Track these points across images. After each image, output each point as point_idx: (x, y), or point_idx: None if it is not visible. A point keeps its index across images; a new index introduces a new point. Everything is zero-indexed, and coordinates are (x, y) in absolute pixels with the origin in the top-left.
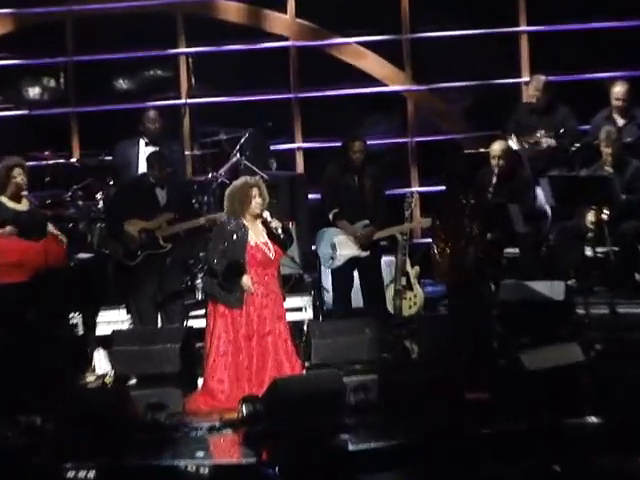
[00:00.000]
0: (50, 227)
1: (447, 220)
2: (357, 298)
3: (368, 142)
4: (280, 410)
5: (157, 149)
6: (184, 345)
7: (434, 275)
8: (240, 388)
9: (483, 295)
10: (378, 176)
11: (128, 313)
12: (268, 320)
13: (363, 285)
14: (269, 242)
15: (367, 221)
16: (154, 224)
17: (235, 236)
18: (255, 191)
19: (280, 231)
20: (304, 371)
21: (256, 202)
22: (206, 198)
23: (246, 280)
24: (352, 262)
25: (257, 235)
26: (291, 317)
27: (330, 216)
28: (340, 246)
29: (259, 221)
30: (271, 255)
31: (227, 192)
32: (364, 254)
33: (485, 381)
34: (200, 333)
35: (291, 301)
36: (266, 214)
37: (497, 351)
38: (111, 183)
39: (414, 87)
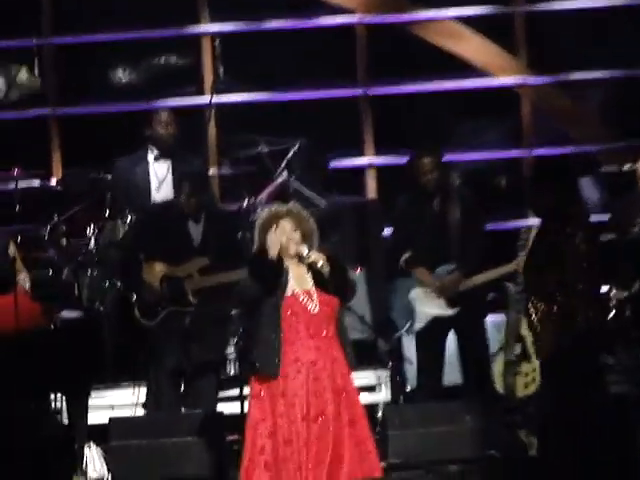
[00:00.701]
0: (21, 277)
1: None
2: (452, 373)
3: (468, 157)
4: None
5: (176, 164)
6: (212, 438)
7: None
8: None
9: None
10: (471, 202)
11: (147, 394)
12: (322, 397)
13: (460, 355)
14: (313, 292)
15: (452, 266)
16: (183, 271)
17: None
18: (284, 224)
19: (324, 267)
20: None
21: (287, 238)
22: (240, 234)
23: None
24: (440, 324)
25: (299, 282)
26: (361, 399)
27: (401, 263)
28: (419, 302)
29: (301, 264)
30: (311, 308)
31: (255, 227)
32: (451, 312)
33: None
34: (234, 421)
35: (360, 377)
36: (301, 248)
37: None
38: (107, 214)
39: (531, 79)
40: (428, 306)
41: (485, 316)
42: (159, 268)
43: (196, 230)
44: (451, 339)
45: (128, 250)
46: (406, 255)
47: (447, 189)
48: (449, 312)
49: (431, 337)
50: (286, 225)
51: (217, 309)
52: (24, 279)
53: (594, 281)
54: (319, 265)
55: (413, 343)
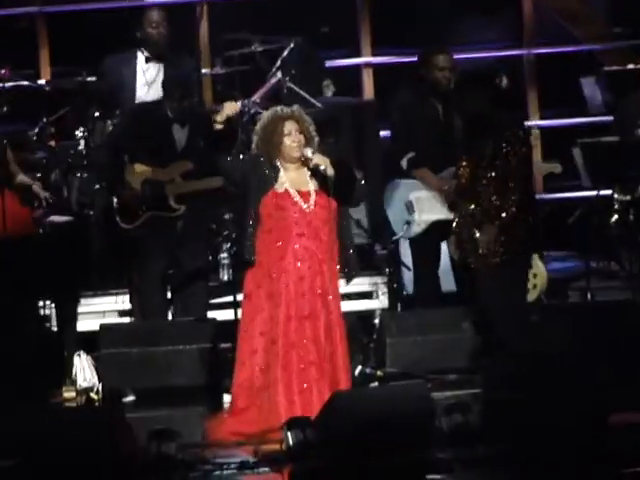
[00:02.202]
0: (22, 179)
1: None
2: (447, 280)
3: (467, 56)
4: (341, 439)
5: (166, 67)
6: (205, 346)
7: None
8: (273, 404)
9: None
10: (476, 103)
11: (130, 301)
12: (307, 298)
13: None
14: (312, 193)
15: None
16: (165, 174)
17: (261, 173)
18: (290, 126)
19: (328, 170)
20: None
21: (292, 140)
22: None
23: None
24: (438, 228)
25: (297, 183)
26: (356, 306)
27: (403, 163)
28: (419, 206)
29: (303, 167)
30: (305, 207)
31: (255, 128)
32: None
33: (636, 398)
34: (227, 328)
35: (357, 283)
36: (306, 151)
37: None
38: (96, 114)
39: None
40: (428, 210)
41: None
42: (141, 170)
43: (181, 134)
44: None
45: (111, 151)
46: (409, 155)
47: (453, 90)
48: (451, 216)
49: (429, 242)
50: (291, 127)
51: (204, 215)
52: (22, 179)
53: (529, 189)
54: (322, 168)
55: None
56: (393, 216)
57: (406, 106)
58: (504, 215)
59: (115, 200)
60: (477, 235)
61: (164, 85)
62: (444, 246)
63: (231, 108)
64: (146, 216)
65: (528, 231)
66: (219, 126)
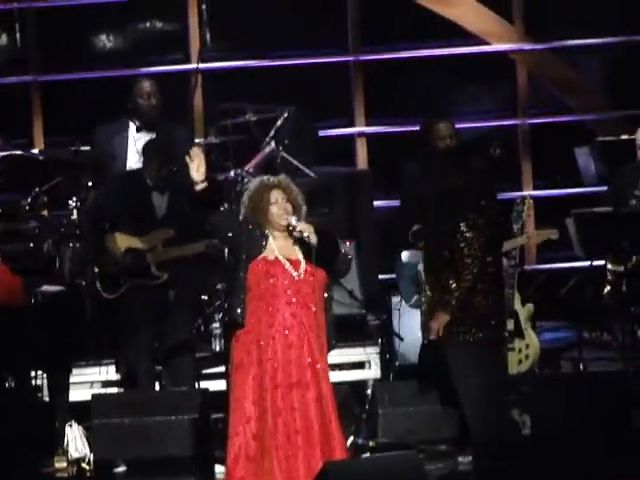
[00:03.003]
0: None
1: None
2: None
3: (462, 125)
4: None
5: (154, 136)
6: (197, 416)
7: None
8: (268, 473)
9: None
10: (483, 172)
11: (116, 372)
12: (295, 366)
13: None
14: (302, 261)
15: None
16: (146, 243)
17: (253, 240)
18: (277, 194)
19: (312, 238)
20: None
21: (278, 208)
22: (226, 206)
23: None
24: None
25: (286, 251)
26: (349, 376)
27: (410, 235)
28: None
29: (290, 238)
30: (295, 275)
31: (243, 198)
32: None
33: (626, 468)
34: (219, 398)
35: (349, 353)
36: (290, 218)
37: None
38: (89, 184)
39: (527, 46)
40: None
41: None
42: (122, 240)
43: (161, 201)
44: None
45: (91, 219)
46: (415, 228)
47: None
48: None
49: None
50: (277, 195)
51: (188, 285)
52: None
53: (490, 263)
54: (305, 235)
55: (404, 318)
56: (404, 287)
57: (414, 178)
58: (457, 294)
59: (96, 269)
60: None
61: (143, 152)
62: None
63: (195, 157)
64: (127, 285)
65: (489, 307)
66: (200, 186)
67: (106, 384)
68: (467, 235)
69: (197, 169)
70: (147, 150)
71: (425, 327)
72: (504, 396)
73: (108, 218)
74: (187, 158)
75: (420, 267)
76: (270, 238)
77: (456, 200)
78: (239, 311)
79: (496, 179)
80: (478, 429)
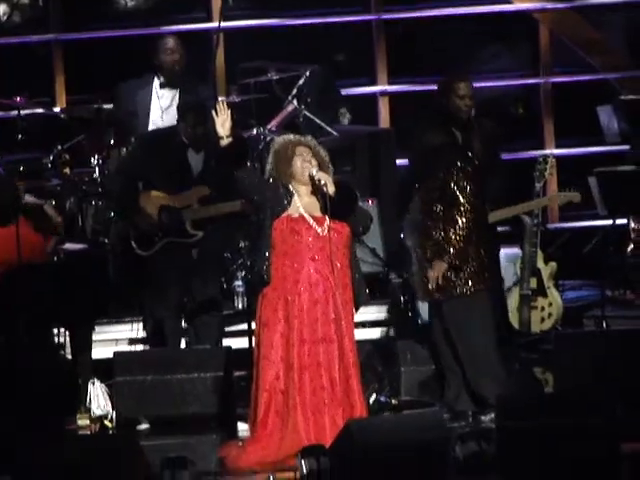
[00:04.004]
0: (29, 199)
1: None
2: None
3: (483, 84)
4: (356, 468)
5: (185, 95)
6: (219, 374)
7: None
8: (294, 428)
9: None
10: (494, 133)
11: (144, 329)
12: (320, 322)
13: None
14: (325, 218)
15: None
16: (182, 201)
17: (278, 196)
18: (302, 149)
19: (329, 187)
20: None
21: (302, 160)
22: (249, 164)
23: None
24: None
25: (310, 207)
26: (371, 334)
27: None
28: None
29: (314, 194)
30: (320, 231)
31: (269, 155)
32: None
33: None
34: (242, 356)
35: (371, 311)
36: (312, 169)
37: None
38: (112, 142)
39: (550, 5)
40: None
41: (498, 250)
42: (157, 197)
43: (197, 159)
44: None
45: (126, 178)
46: None
47: (471, 119)
48: None
49: None
50: (303, 150)
51: (217, 242)
52: (30, 200)
53: (481, 220)
54: (322, 183)
55: None
56: (412, 245)
57: (425, 136)
58: (452, 250)
59: (131, 227)
60: (429, 271)
61: (179, 111)
62: None
63: (221, 112)
64: (162, 242)
65: (483, 260)
66: (226, 141)
67: (131, 342)
68: (461, 184)
69: (223, 124)
70: (183, 109)
71: (418, 287)
72: (498, 351)
73: (143, 176)
74: (213, 113)
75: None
76: (295, 195)
77: (443, 155)
78: (264, 268)
79: (507, 138)
80: (477, 384)
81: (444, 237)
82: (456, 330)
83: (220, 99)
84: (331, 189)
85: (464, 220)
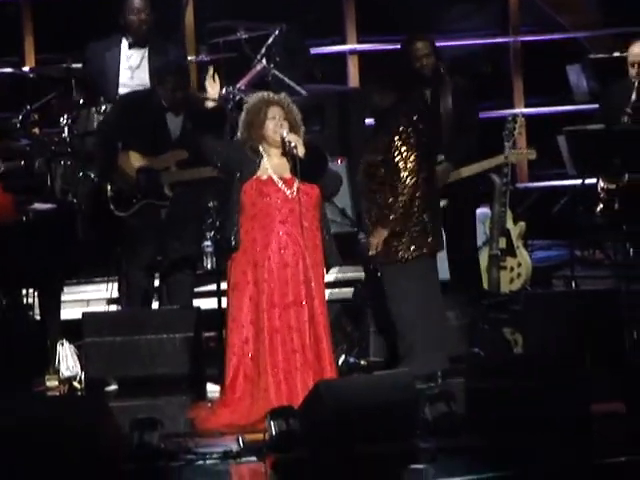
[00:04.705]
0: None
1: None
2: (442, 268)
3: (453, 43)
4: (325, 429)
5: (155, 54)
6: (188, 334)
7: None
8: (264, 392)
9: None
10: (463, 90)
11: (118, 289)
12: (291, 285)
13: (450, 250)
14: (294, 180)
15: (441, 156)
16: (160, 163)
17: (246, 161)
18: (275, 111)
19: (299, 149)
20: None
21: (274, 124)
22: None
23: None
24: None
25: (280, 169)
26: (340, 294)
27: None
28: None
29: (284, 156)
30: (289, 193)
31: (242, 113)
32: (441, 203)
33: (618, 387)
34: (211, 317)
35: (340, 271)
36: (282, 131)
37: (636, 343)
38: (81, 102)
39: None
40: None
41: (475, 209)
42: (136, 158)
43: (175, 123)
44: None
45: (104, 138)
46: None
47: (439, 76)
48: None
49: None
50: (276, 112)
51: (193, 202)
52: None
53: (426, 187)
54: (292, 145)
55: None
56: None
57: (373, 98)
58: (395, 209)
59: (109, 187)
60: (369, 237)
61: (158, 73)
62: None
63: (213, 87)
64: (140, 204)
65: (425, 225)
66: (211, 104)
67: (104, 301)
68: (402, 149)
69: (212, 86)
70: (162, 72)
71: (365, 251)
72: (441, 317)
73: (121, 137)
74: (206, 76)
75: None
76: (264, 157)
77: (387, 118)
78: (233, 234)
79: (478, 97)
80: (410, 352)
81: (386, 202)
82: (392, 294)
83: (190, 59)
84: (301, 151)
85: (406, 185)
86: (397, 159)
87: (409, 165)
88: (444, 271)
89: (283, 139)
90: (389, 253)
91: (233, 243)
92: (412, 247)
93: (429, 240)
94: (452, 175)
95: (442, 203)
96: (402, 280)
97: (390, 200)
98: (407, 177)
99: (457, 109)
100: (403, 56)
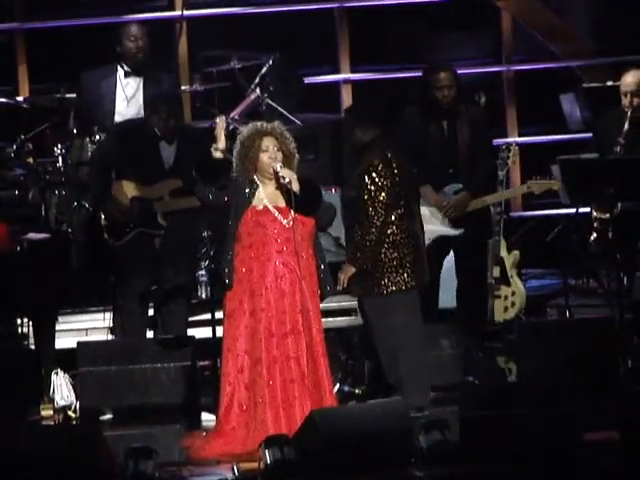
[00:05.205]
0: None
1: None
2: (449, 295)
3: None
4: (320, 458)
5: (150, 83)
6: (183, 364)
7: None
8: (261, 422)
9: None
10: (479, 120)
11: (113, 319)
12: (288, 314)
13: (460, 278)
14: (291, 212)
15: (459, 185)
16: (153, 192)
17: (240, 194)
18: (268, 142)
19: (294, 185)
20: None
21: (268, 156)
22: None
23: None
24: (441, 244)
25: (275, 198)
26: (335, 323)
27: None
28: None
29: (276, 182)
30: (285, 222)
31: (235, 142)
32: (455, 232)
33: (612, 416)
34: (205, 346)
35: (336, 300)
36: (275, 164)
37: (630, 372)
38: (75, 131)
39: None
40: (432, 225)
41: (488, 238)
42: (129, 188)
43: (169, 151)
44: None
45: (98, 167)
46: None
47: (456, 107)
48: (455, 232)
49: (432, 257)
50: (269, 143)
51: (187, 232)
52: None
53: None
54: (287, 181)
55: None
56: None
57: (410, 124)
58: (359, 255)
59: (102, 217)
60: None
61: (151, 103)
62: (446, 262)
63: (222, 139)
64: (134, 233)
65: (400, 259)
66: (219, 154)
67: (98, 331)
68: (371, 188)
69: (221, 138)
70: (155, 101)
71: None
72: (421, 347)
73: (115, 165)
74: (215, 127)
75: None
76: (260, 187)
77: (364, 153)
78: (227, 272)
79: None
80: (395, 381)
81: (355, 239)
82: (373, 327)
83: (183, 89)
84: (295, 186)
85: (373, 223)
86: (366, 197)
87: (377, 204)
88: (447, 300)
89: (277, 173)
90: (365, 288)
91: (227, 281)
92: (387, 283)
93: (404, 275)
94: (474, 204)
95: (459, 231)
96: (380, 314)
97: (357, 238)
98: (374, 216)
99: (474, 138)
100: (423, 85)
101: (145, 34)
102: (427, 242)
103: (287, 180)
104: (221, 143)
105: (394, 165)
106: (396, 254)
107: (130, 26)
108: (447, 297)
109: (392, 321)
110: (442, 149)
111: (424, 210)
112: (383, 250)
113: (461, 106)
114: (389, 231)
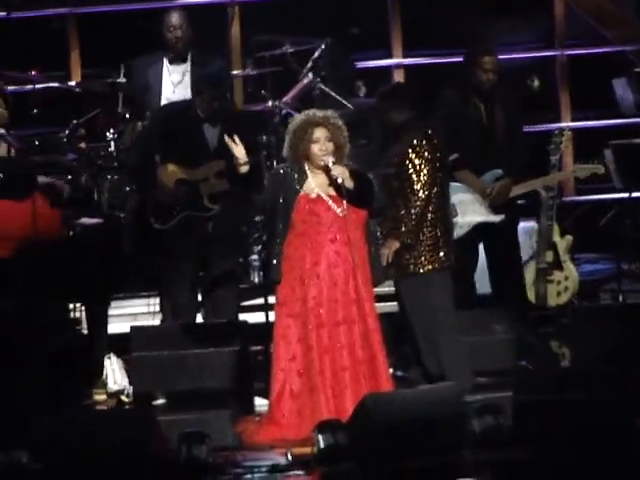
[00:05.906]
0: (41, 179)
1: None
2: (483, 281)
3: (499, 57)
4: (373, 443)
5: (202, 69)
6: (236, 348)
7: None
8: (316, 409)
9: None
10: (517, 105)
11: (160, 304)
12: (341, 303)
13: (493, 263)
14: (344, 201)
15: (499, 170)
16: (199, 175)
17: (287, 185)
18: (320, 133)
19: (346, 182)
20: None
21: (319, 148)
22: (265, 138)
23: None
24: (478, 231)
25: (327, 186)
26: (387, 308)
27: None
28: (462, 208)
29: (326, 174)
30: (339, 211)
31: (287, 130)
32: (496, 218)
33: None
34: (258, 330)
35: (384, 285)
36: (327, 159)
37: None
38: (127, 116)
39: None
40: (471, 212)
41: (517, 223)
42: (174, 171)
43: (212, 133)
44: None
45: (143, 151)
46: (453, 156)
47: (494, 91)
48: (495, 219)
49: (469, 245)
50: (320, 134)
51: (239, 217)
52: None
53: (438, 201)
54: (339, 181)
55: None
56: None
57: (451, 107)
58: (403, 229)
59: (149, 200)
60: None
61: (194, 84)
62: (481, 248)
63: (239, 151)
64: (181, 216)
65: (438, 239)
66: (244, 168)
67: (150, 316)
68: (415, 162)
69: (237, 150)
70: (199, 83)
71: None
72: (453, 330)
73: (159, 149)
74: (230, 143)
75: (455, 199)
76: (309, 175)
77: (402, 132)
78: (275, 266)
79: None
80: (431, 364)
81: (398, 214)
82: (409, 308)
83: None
84: (348, 184)
85: (418, 197)
86: (410, 171)
87: (422, 178)
88: (484, 285)
89: (329, 169)
90: (401, 267)
91: (275, 277)
92: (424, 261)
93: (441, 254)
94: (517, 189)
95: (499, 218)
96: (417, 294)
97: (402, 212)
98: (420, 190)
99: (510, 123)
100: (466, 66)
101: (185, 22)
102: (467, 229)
103: (340, 180)
104: (239, 155)
105: (435, 142)
106: (434, 232)
107: (168, 16)
108: (481, 284)
109: (429, 301)
110: (481, 132)
111: (465, 196)
112: (424, 225)
113: (499, 91)
114: (430, 207)
